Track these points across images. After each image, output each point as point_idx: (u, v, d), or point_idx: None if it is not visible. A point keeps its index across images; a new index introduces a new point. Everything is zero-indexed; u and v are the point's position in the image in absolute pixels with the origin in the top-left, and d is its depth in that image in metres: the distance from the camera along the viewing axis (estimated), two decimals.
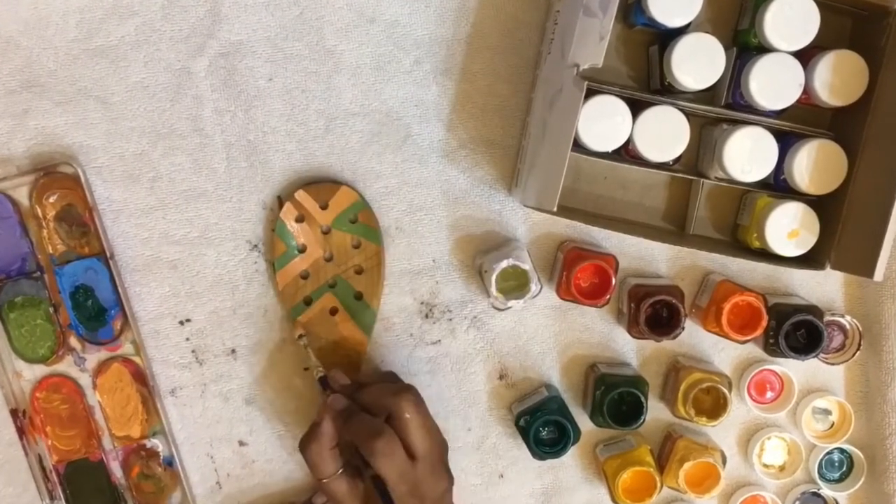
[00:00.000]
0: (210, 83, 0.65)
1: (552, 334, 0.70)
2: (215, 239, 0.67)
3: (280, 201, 0.67)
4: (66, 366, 0.66)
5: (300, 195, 0.65)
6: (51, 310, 0.65)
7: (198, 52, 0.65)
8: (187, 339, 0.68)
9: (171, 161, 0.66)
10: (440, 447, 0.61)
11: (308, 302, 0.67)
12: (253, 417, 0.69)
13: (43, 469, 0.65)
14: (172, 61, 0.65)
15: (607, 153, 0.61)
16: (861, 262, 0.59)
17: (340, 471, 0.60)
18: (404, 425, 0.58)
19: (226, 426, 0.69)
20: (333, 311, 0.67)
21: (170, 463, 0.67)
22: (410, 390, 0.60)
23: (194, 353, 0.68)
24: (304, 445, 0.60)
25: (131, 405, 0.66)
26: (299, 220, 0.66)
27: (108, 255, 0.64)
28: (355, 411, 0.60)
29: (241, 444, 0.69)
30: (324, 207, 0.66)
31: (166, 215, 0.66)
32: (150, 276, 0.67)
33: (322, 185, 0.66)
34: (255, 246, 0.67)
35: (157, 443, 0.67)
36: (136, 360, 0.66)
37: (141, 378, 0.66)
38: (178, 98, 0.65)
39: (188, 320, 0.68)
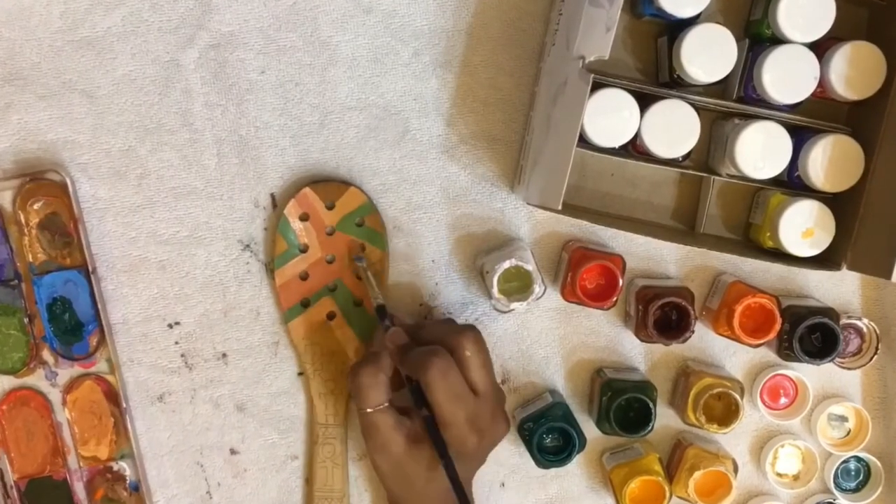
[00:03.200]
0: (200, 76, 0.65)
1: (556, 338, 0.70)
2: (205, 238, 0.67)
3: (273, 199, 0.67)
4: (36, 379, 0.66)
5: (307, 193, 0.65)
6: (25, 320, 0.65)
7: (187, 43, 0.65)
8: (176, 343, 0.68)
9: (160, 157, 0.66)
10: (500, 392, 0.63)
11: (305, 304, 0.67)
12: (245, 424, 0.69)
13: (3, 485, 0.65)
14: (161, 53, 0.65)
15: (614, 149, 0.61)
16: (878, 263, 0.59)
17: (387, 404, 0.60)
18: (465, 362, 0.59)
19: (216, 433, 0.69)
20: (331, 316, 0.67)
21: (136, 488, 0.67)
22: (473, 329, 0.61)
23: (183, 357, 0.68)
24: (358, 368, 0.60)
25: (101, 425, 0.66)
26: (303, 218, 0.66)
27: (89, 268, 0.64)
28: (412, 347, 0.60)
29: (233, 452, 0.69)
30: (330, 208, 0.66)
31: (154, 214, 0.66)
32: (137, 277, 0.67)
33: (330, 184, 0.66)
34: (248, 246, 0.67)
35: (124, 466, 0.67)
36: (110, 378, 0.66)
37: (113, 398, 0.66)
38: (167, 92, 0.65)
39: (177, 323, 0.67)
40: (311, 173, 0.67)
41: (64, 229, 0.64)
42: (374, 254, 0.66)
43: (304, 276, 0.66)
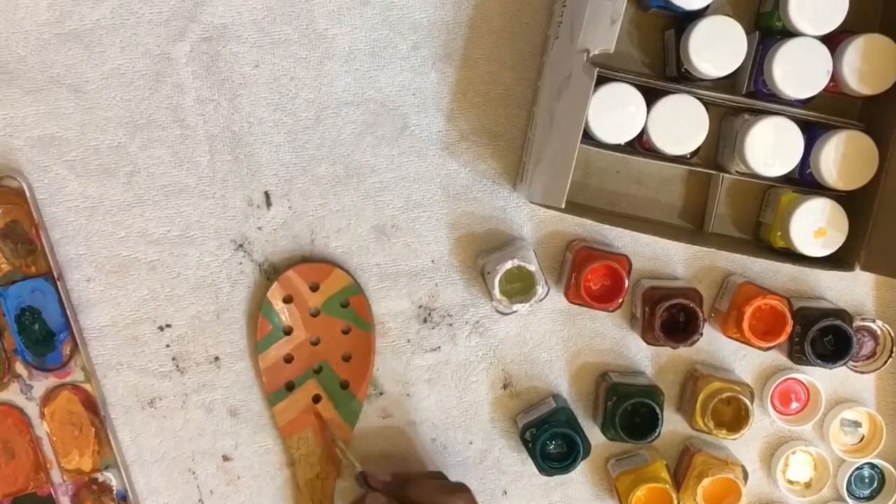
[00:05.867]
0: (192, 70, 0.65)
1: (560, 340, 0.70)
2: (197, 238, 0.67)
3: (268, 197, 0.67)
4: (11, 394, 0.66)
5: (290, 275, 0.66)
6: None
7: (179, 36, 0.65)
8: (167, 346, 0.68)
9: (150, 154, 0.66)
10: None
11: (290, 387, 0.67)
12: (238, 430, 0.69)
13: None
14: (151, 46, 0.65)
15: (620, 145, 0.61)
16: (893, 263, 0.59)
17: None
18: None
19: (209, 439, 0.69)
20: (317, 399, 0.67)
21: (123, 498, 0.67)
22: (466, 490, 0.61)
23: (175, 360, 0.68)
24: None
25: (82, 436, 0.66)
26: (287, 300, 0.66)
27: (55, 275, 0.64)
28: None
29: (226, 458, 0.69)
30: (314, 289, 0.66)
31: (145, 212, 0.66)
32: (127, 278, 0.67)
33: (314, 265, 0.66)
34: (241, 245, 0.67)
35: (109, 476, 0.67)
36: (87, 387, 0.66)
37: (92, 406, 0.66)
38: (158, 86, 0.65)
39: (168, 326, 0.67)
40: (304, 168, 0.67)
41: (26, 237, 0.64)
42: (360, 336, 0.67)
43: (288, 359, 0.67)
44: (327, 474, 0.68)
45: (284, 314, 0.67)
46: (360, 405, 0.68)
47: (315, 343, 0.67)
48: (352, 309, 0.67)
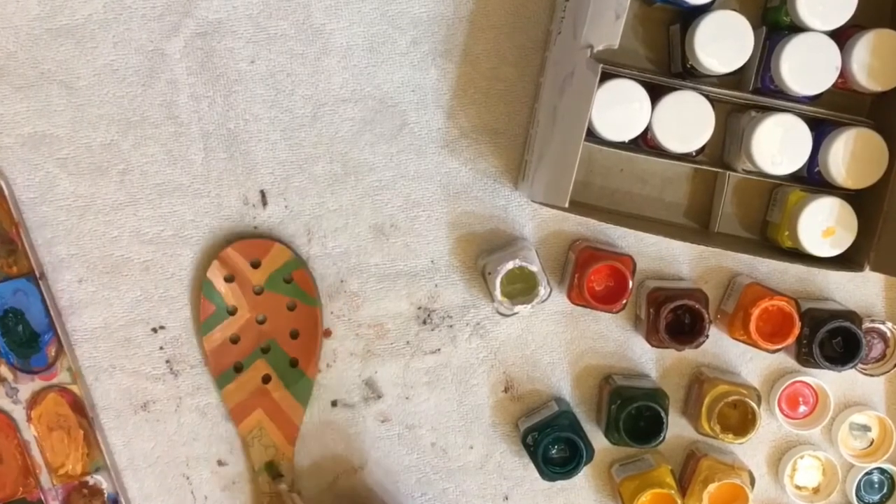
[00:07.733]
0: (186, 66, 0.65)
1: (563, 342, 0.70)
2: (192, 238, 0.67)
3: (263, 196, 0.66)
4: None
5: (229, 252, 0.66)
6: None
7: (172, 31, 0.65)
8: (161, 348, 0.67)
9: (143, 152, 0.66)
10: None
11: (238, 369, 0.67)
12: (233, 434, 0.69)
13: None
14: (144, 42, 0.65)
15: (624, 143, 0.61)
16: None
17: None
18: None
19: (203, 444, 0.69)
20: (266, 379, 0.67)
21: (115, 501, 0.66)
22: None
23: (168, 363, 0.68)
24: None
25: (70, 438, 0.65)
26: (229, 279, 0.66)
27: (37, 274, 0.63)
28: None
29: (221, 463, 0.69)
30: (255, 266, 0.66)
31: (138, 212, 0.66)
32: (120, 278, 0.66)
33: (253, 241, 0.66)
34: None
35: (100, 479, 0.66)
36: (74, 388, 0.66)
37: (80, 408, 0.66)
38: (151, 83, 0.65)
39: (162, 327, 0.67)
40: (301, 166, 0.66)
41: (6, 236, 0.64)
42: (306, 311, 0.67)
43: (234, 340, 0.67)
44: (283, 455, 0.67)
45: (227, 294, 0.66)
46: (310, 382, 0.67)
47: (261, 322, 0.67)
48: (295, 284, 0.66)
